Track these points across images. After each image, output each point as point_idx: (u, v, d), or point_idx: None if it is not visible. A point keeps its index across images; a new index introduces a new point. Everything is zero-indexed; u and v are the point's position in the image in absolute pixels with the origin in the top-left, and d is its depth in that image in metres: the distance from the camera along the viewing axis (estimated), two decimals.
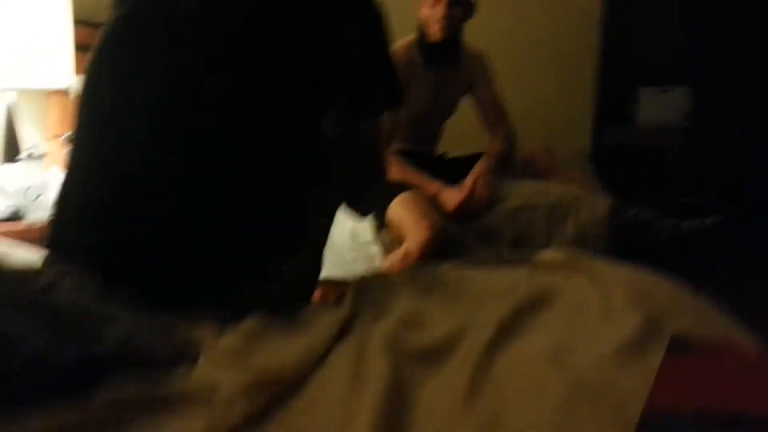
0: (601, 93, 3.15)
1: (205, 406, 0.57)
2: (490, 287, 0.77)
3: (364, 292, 0.78)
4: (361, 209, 1.03)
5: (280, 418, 0.58)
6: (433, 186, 1.93)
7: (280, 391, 0.60)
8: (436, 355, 0.64)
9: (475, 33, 2.13)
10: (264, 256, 0.81)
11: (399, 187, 1.86)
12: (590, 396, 0.55)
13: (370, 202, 1.03)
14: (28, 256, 1.25)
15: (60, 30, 1.78)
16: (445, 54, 2.06)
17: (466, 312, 0.70)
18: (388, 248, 1.90)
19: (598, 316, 0.67)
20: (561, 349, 0.61)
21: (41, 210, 1.68)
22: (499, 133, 2.15)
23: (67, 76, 1.83)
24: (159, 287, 0.73)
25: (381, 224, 1.90)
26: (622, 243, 1.92)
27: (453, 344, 0.64)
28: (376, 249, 1.92)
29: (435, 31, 1.98)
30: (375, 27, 0.87)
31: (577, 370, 0.58)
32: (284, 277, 0.83)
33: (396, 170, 1.90)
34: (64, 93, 2.02)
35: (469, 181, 1.95)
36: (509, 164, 2.12)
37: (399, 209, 1.80)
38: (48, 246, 0.81)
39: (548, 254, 0.90)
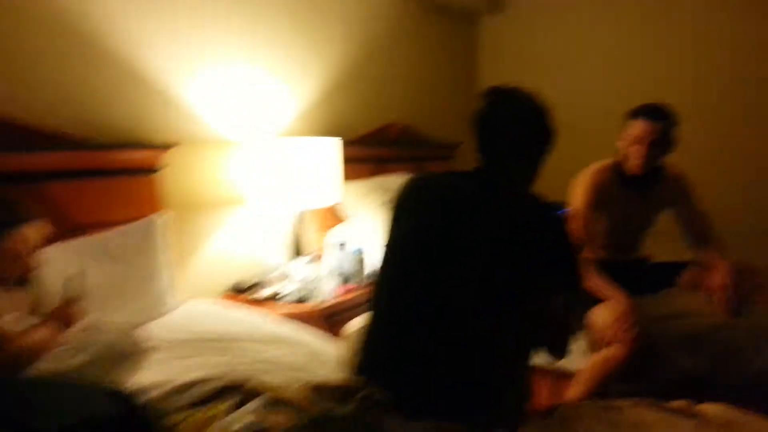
0: None
1: None
2: None
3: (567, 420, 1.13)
4: (555, 356, 1.37)
5: None
6: (621, 300, 1.99)
7: None
8: None
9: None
10: (497, 388, 1.22)
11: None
12: None
13: (562, 350, 1.35)
14: (313, 338, 1.81)
15: (333, 162, 2.43)
16: (641, 182, 2.20)
17: None
18: (592, 347, 2.08)
19: None
20: None
21: (317, 295, 2.30)
22: (708, 248, 2.19)
23: (336, 197, 2.47)
24: (436, 406, 1.18)
25: (580, 326, 2.10)
26: None
27: None
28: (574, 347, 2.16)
29: (633, 167, 2.14)
30: (568, 246, 1.24)
31: None
32: (510, 400, 1.24)
33: (591, 281, 2.07)
34: (332, 208, 2.68)
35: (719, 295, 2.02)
36: None
37: (605, 315, 1.99)
38: (358, 369, 1.30)
39: (710, 408, 1.14)
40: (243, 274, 2.49)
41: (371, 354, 1.31)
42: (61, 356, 1.27)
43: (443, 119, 3.87)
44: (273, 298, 2.31)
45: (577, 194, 2.25)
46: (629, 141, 2.14)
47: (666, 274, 2.29)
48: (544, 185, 1.45)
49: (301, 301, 2.29)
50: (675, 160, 2.24)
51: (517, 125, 1.30)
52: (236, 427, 1.03)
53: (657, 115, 2.10)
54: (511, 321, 1.21)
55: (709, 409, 1.14)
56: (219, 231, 2.45)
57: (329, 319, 2.24)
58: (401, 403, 1.16)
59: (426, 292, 1.23)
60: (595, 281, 2.07)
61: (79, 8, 1.94)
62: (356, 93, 3.14)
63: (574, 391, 1.98)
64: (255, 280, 2.44)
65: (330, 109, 2.96)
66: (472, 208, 1.25)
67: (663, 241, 2.44)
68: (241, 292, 2.38)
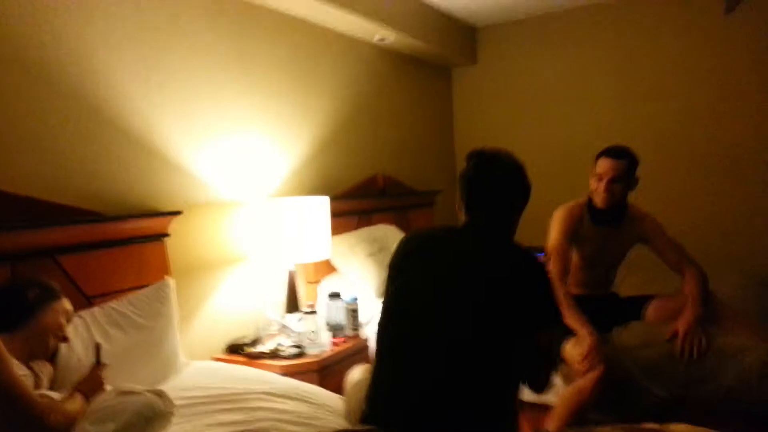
0: None
1: None
2: None
3: None
4: (536, 390, 1.53)
5: None
6: (587, 335, 2.12)
7: None
8: None
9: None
10: (493, 424, 1.36)
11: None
12: None
13: (545, 384, 1.52)
14: (317, 390, 1.93)
15: (321, 219, 2.61)
16: (609, 217, 2.44)
17: None
18: (565, 380, 2.27)
19: None
20: None
21: (315, 347, 2.42)
22: (688, 274, 2.37)
23: (326, 252, 2.63)
24: None
25: (559, 360, 2.26)
26: None
27: None
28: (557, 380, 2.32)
29: (599, 201, 2.41)
30: (550, 290, 1.43)
31: None
32: None
33: (566, 315, 2.22)
34: (325, 261, 2.83)
35: (680, 340, 2.16)
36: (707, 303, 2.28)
37: (575, 349, 2.14)
38: (365, 417, 1.43)
39: (678, 428, 1.31)
40: (241, 331, 2.60)
41: (377, 401, 1.45)
42: (93, 425, 1.38)
43: (423, 168, 4.15)
44: (273, 353, 2.42)
45: (552, 231, 2.48)
46: (596, 178, 2.41)
47: (633, 308, 2.49)
48: (523, 229, 1.63)
49: (299, 354, 2.40)
50: (637, 197, 2.49)
51: (501, 186, 1.50)
52: None
53: (618, 154, 2.38)
54: (504, 359, 1.37)
55: (677, 429, 1.30)
56: (216, 290, 2.57)
57: (326, 370, 2.35)
58: None
59: (426, 338, 1.39)
60: (569, 315, 2.23)
61: (92, 86, 2.06)
62: (342, 149, 3.36)
63: (551, 425, 2.14)
64: (253, 336, 2.55)
65: (319, 166, 3.16)
66: (464, 258, 1.43)
67: (632, 277, 2.66)
68: (238, 349, 2.48)
